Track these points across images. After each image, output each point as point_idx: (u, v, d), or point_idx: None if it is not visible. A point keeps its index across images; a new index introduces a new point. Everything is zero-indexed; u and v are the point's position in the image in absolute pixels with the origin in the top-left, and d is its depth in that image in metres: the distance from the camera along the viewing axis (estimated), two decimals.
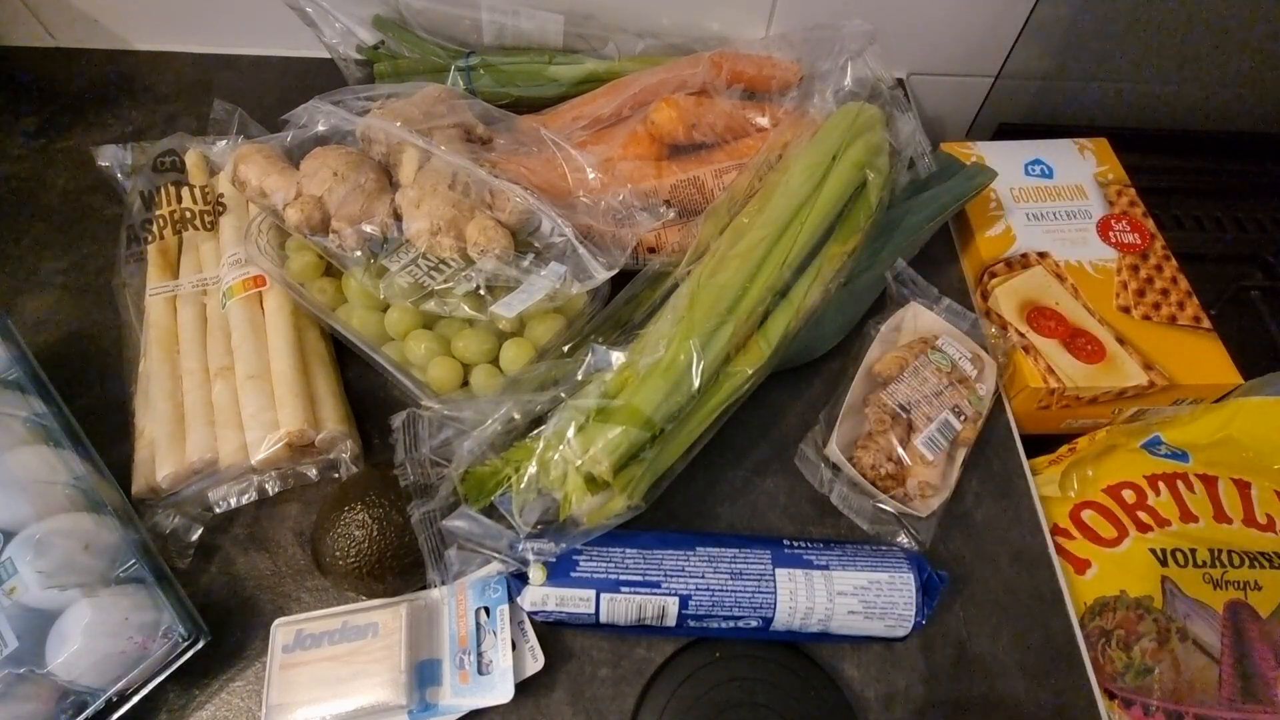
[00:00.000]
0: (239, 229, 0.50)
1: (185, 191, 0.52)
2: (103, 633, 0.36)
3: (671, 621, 0.40)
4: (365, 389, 0.50)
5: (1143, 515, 0.49)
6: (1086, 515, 0.50)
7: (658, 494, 0.41)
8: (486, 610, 0.41)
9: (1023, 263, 0.56)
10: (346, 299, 0.47)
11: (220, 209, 0.52)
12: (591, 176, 0.50)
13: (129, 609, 0.38)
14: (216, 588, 0.43)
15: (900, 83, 0.71)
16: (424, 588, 0.42)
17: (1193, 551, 0.48)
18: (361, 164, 0.45)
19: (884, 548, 0.43)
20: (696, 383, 0.40)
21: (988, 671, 0.43)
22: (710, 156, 0.54)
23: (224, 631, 0.42)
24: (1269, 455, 0.51)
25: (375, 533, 0.39)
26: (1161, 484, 0.50)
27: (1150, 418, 0.53)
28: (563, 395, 0.41)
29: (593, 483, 0.38)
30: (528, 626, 0.41)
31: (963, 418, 0.46)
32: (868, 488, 0.45)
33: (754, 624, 0.40)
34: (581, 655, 0.42)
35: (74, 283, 0.54)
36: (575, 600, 0.39)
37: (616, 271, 0.45)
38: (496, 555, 0.40)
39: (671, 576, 0.40)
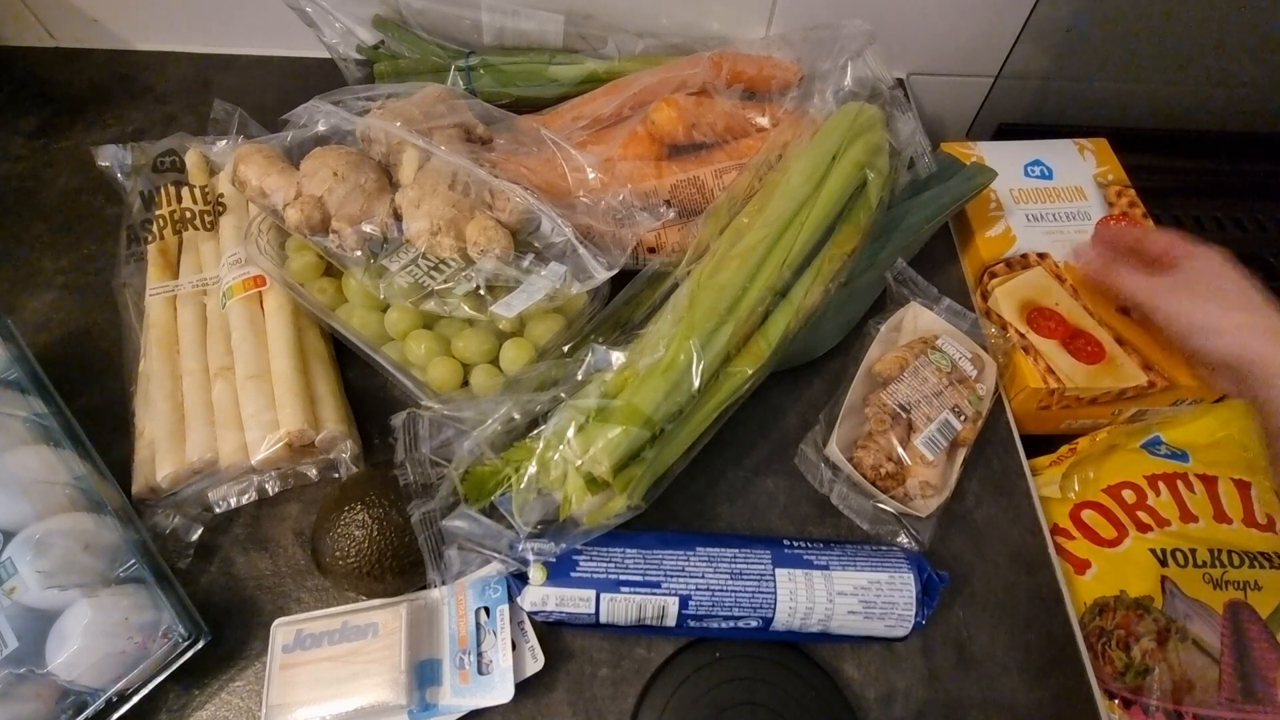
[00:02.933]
0: (239, 229, 0.50)
1: (185, 191, 0.52)
2: (103, 633, 0.36)
3: (671, 621, 0.40)
4: (365, 389, 0.50)
5: (1143, 515, 0.49)
6: (1086, 515, 0.50)
7: (658, 494, 0.41)
8: (486, 610, 0.41)
9: (1023, 263, 0.57)
10: (346, 299, 0.47)
11: (220, 209, 0.52)
12: (591, 176, 0.50)
13: (129, 609, 0.38)
14: (216, 588, 0.43)
15: (900, 83, 0.71)
16: (424, 588, 0.42)
17: (1193, 551, 0.48)
18: (361, 164, 0.45)
19: (884, 548, 0.43)
20: (696, 383, 0.40)
21: (988, 671, 0.43)
22: (710, 156, 0.54)
23: (224, 631, 0.42)
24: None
25: (375, 533, 0.39)
26: (1161, 484, 0.50)
27: (1150, 418, 0.53)
28: (563, 395, 0.41)
29: (593, 483, 0.38)
30: (528, 626, 0.41)
31: (963, 418, 0.46)
32: (868, 488, 0.45)
33: (754, 624, 0.40)
34: (581, 655, 0.42)
35: (74, 283, 0.55)
36: (575, 600, 0.39)
37: (616, 271, 0.45)
38: (496, 555, 0.40)
39: (671, 576, 0.40)
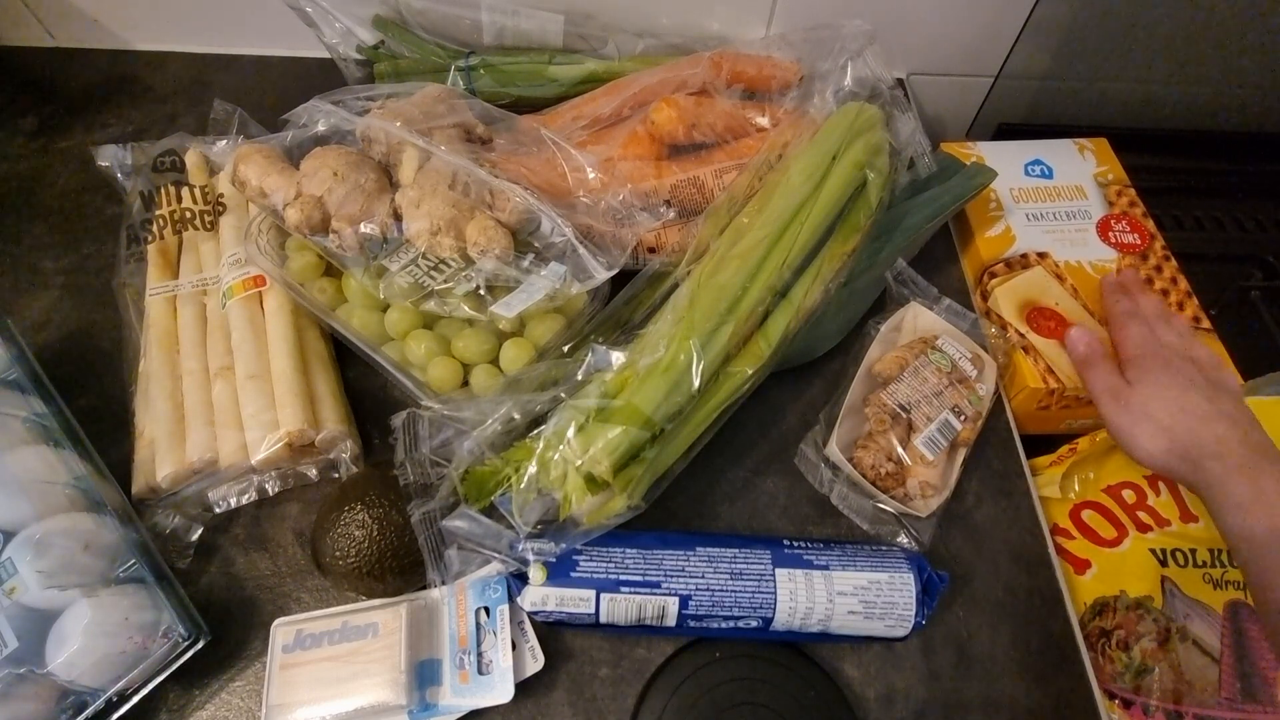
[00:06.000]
0: (239, 229, 0.50)
1: (185, 191, 0.52)
2: (103, 633, 0.36)
3: (671, 621, 0.40)
4: (365, 389, 0.50)
5: (1143, 515, 0.49)
6: (1086, 515, 0.50)
7: (658, 494, 0.41)
8: (486, 610, 0.41)
9: (1022, 263, 0.57)
10: (346, 299, 0.47)
11: (220, 209, 0.52)
12: (591, 176, 0.50)
13: (129, 609, 0.38)
14: (216, 588, 0.43)
15: (900, 83, 0.71)
16: (424, 588, 0.42)
17: (1193, 551, 0.48)
18: (361, 164, 0.45)
19: (884, 548, 0.43)
20: (696, 383, 0.40)
21: (988, 671, 0.43)
22: (710, 156, 0.54)
23: (224, 631, 0.42)
24: None
25: (375, 533, 0.39)
26: (1161, 484, 0.50)
27: None
28: (563, 395, 0.41)
29: (593, 483, 0.38)
30: (528, 626, 0.41)
31: (963, 418, 0.46)
32: (868, 488, 0.45)
33: (754, 624, 0.40)
34: (581, 655, 0.42)
35: (74, 283, 0.54)
36: (575, 600, 0.39)
37: (616, 271, 0.45)
38: (496, 555, 0.40)
39: (671, 576, 0.40)
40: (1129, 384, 0.46)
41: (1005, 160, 0.60)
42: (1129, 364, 0.47)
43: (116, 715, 0.37)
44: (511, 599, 0.41)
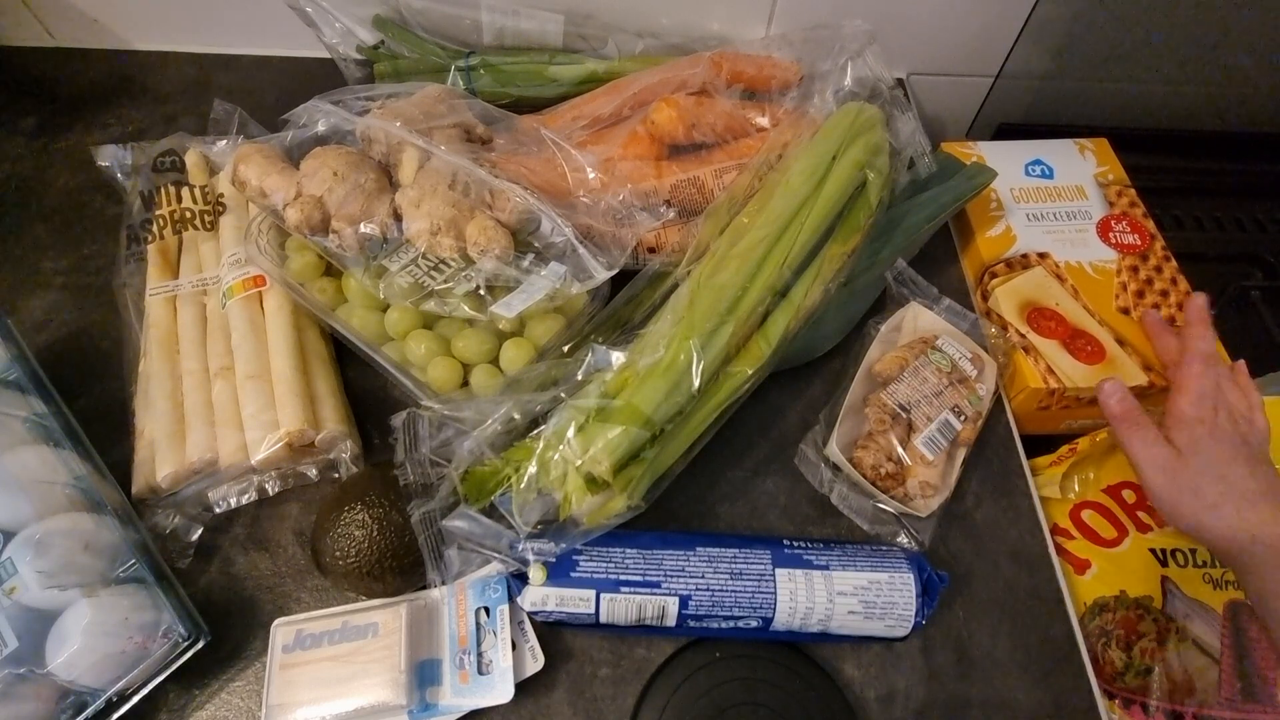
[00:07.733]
0: (239, 229, 0.50)
1: (185, 191, 0.52)
2: (103, 633, 0.36)
3: (671, 621, 0.40)
4: (365, 389, 0.50)
5: (1143, 515, 0.49)
6: (1086, 515, 0.50)
7: (658, 494, 0.41)
8: (486, 610, 0.41)
9: (1023, 263, 0.57)
10: (346, 299, 0.47)
11: (220, 209, 0.52)
12: (591, 176, 0.50)
13: (129, 609, 0.38)
14: (216, 588, 0.43)
15: (900, 83, 0.71)
16: (424, 588, 0.42)
17: (1193, 551, 0.48)
18: (361, 164, 0.45)
19: (884, 548, 0.43)
20: (696, 383, 0.40)
21: (988, 671, 0.43)
22: (710, 156, 0.54)
23: (224, 631, 0.41)
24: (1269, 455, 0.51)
25: (375, 533, 0.39)
26: None
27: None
28: (563, 395, 0.41)
29: (593, 483, 0.38)
30: (528, 626, 0.41)
31: (963, 418, 0.46)
32: (868, 488, 0.45)
33: (754, 624, 0.40)
34: (581, 655, 0.42)
35: (74, 283, 0.54)
36: (575, 600, 0.39)
37: (616, 271, 0.45)
38: (496, 555, 0.40)
39: (671, 576, 0.40)
40: (1178, 453, 0.43)
41: (1005, 160, 0.60)
42: (1180, 423, 0.44)
43: (116, 715, 0.37)
44: (511, 599, 0.41)
